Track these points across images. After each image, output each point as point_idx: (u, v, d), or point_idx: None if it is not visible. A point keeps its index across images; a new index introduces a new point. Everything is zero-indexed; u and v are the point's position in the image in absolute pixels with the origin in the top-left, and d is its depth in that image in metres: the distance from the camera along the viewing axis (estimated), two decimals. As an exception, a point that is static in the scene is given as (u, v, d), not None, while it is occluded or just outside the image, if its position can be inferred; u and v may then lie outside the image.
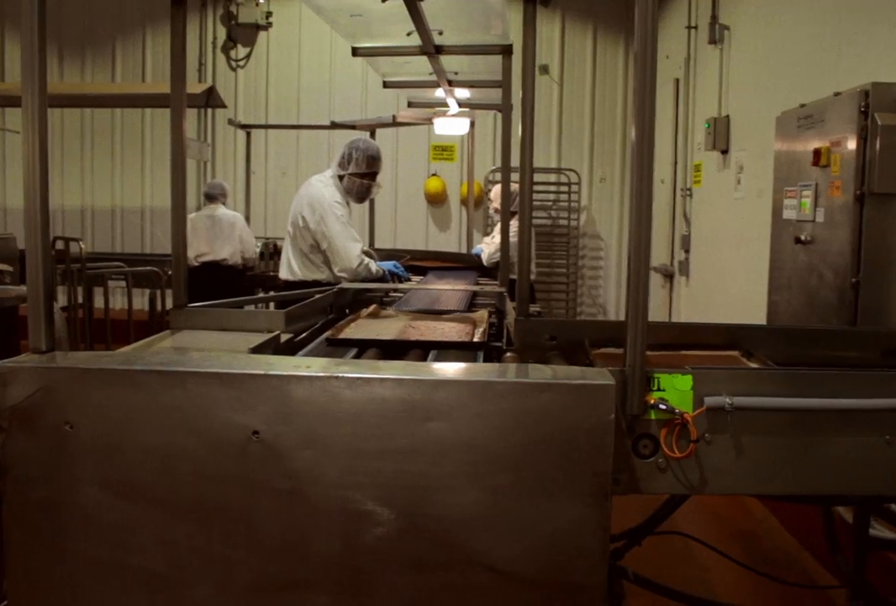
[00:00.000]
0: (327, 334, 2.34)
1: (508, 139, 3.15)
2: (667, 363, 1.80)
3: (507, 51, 3.26)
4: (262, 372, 1.52)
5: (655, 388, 1.62)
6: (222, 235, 6.43)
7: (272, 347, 2.14)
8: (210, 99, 8.22)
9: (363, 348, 2.24)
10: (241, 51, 9.33)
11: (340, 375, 1.51)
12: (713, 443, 1.62)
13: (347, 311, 3.10)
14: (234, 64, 9.33)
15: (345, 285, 3.22)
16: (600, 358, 1.99)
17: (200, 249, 6.36)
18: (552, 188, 8.99)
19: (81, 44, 9.27)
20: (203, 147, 8.15)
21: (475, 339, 2.35)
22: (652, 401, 1.60)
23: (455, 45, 3.31)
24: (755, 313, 4.73)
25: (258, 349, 1.99)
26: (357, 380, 1.51)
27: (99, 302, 5.99)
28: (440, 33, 3.03)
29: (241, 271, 6.60)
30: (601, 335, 2.17)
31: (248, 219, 8.03)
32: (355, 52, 3.27)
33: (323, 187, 4.18)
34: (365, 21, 2.83)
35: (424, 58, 3.52)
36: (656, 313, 7.65)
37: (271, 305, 6.15)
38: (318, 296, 2.86)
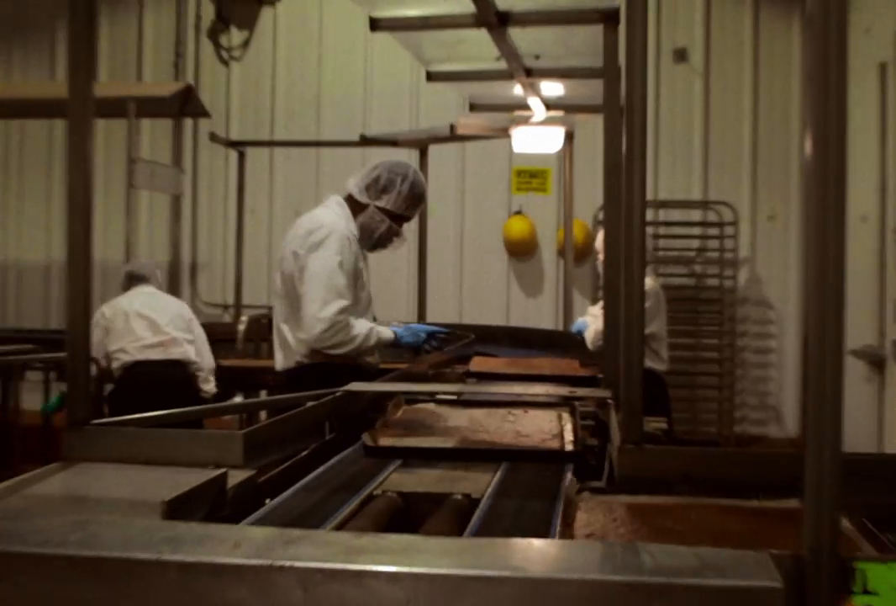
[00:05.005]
0: (364, 438, 2.55)
1: (617, 158, 3.01)
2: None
3: (610, 18, 3.13)
4: (152, 557, 1.30)
5: (859, 588, 1.36)
6: (175, 320, 6.29)
7: (211, 496, 1.95)
8: (187, 104, 8.30)
9: (410, 457, 2.49)
10: (237, 36, 9.43)
11: (289, 564, 1.27)
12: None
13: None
14: (226, 54, 9.44)
15: (355, 386, 3.05)
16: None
17: (141, 336, 6.12)
18: (695, 231, 8.89)
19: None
20: (175, 175, 8.16)
21: (566, 444, 2.56)
22: (852, 612, 1.36)
23: (531, 11, 3.18)
24: None
25: (180, 504, 1.80)
26: (316, 573, 1.27)
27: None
28: (506, -6, 2.90)
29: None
30: (769, 476, 2.05)
31: (240, 281, 8.00)
32: (374, 25, 3.16)
33: (333, 216, 4.28)
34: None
35: (486, 34, 3.39)
36: (858, 424, 7.26)
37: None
38: (309, 404, 2.72)
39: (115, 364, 5.91)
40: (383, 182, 4.29)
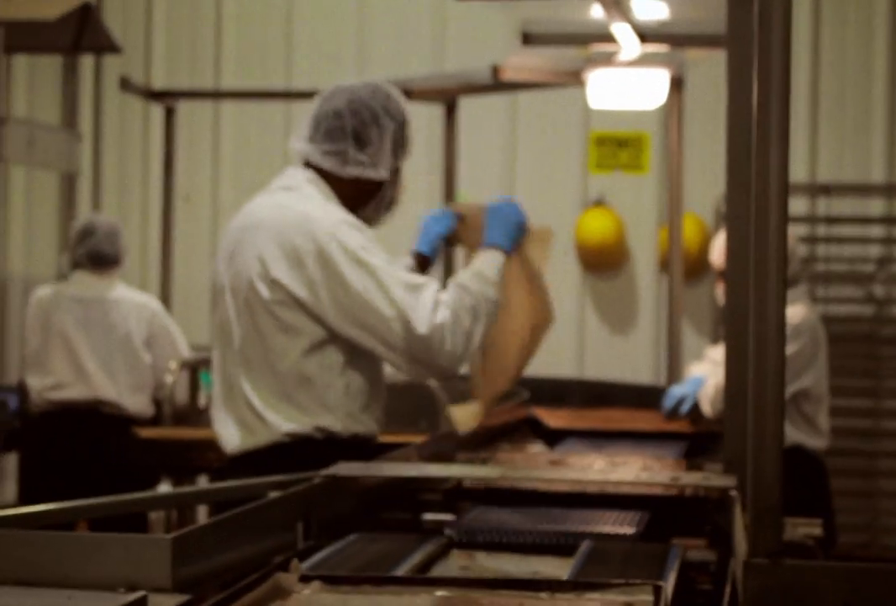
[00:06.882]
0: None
1: (747, 116, 2.79)
2: None
3: None
4: None
5: None
6: (115, 347, 5.96)
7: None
8: (85, 33, 7.43)
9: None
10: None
11: None
12: None
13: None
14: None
15: (341, 468, 2.83)
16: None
17: (56, 374, 5.87)
18: (876, 232, 8.55)
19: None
20: (68, 143, 7.49)
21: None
22: None
23: None
24: None
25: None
26: None
27: None
28: None
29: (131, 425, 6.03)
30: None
31: (167, 305, 7.21)
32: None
33: (303, 206, 3.53)
34: None
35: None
36: None
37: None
38: (273, 496, 2.61)
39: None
40: (352, 130, 3.48)
